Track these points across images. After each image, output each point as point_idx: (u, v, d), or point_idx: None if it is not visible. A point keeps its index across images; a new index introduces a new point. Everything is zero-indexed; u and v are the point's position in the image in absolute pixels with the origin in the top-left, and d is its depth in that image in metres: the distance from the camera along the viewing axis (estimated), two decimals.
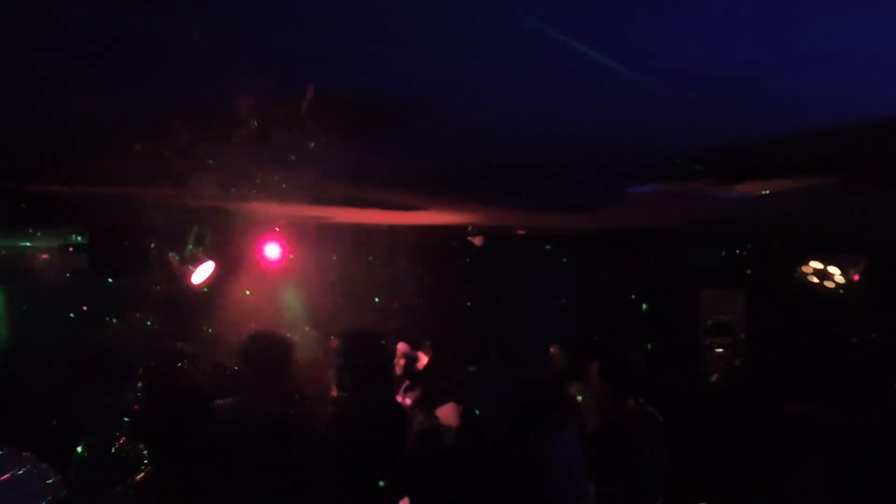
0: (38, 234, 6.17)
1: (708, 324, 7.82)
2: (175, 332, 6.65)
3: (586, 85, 2.47)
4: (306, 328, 7.51)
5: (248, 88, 2.59)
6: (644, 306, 8.02)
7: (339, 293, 7.77)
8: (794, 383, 6.70)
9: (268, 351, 4.17)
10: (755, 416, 5.86)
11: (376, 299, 7.84)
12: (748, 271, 7.69)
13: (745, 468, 4.86)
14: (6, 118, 3.10)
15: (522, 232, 7.38)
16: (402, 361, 5.83)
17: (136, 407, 3.47)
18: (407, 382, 5.75)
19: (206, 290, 6.74)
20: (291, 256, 7.81)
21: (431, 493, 3.50)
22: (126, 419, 3.27)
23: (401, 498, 3.75)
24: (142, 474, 3.06)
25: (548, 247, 7.89)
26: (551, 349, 5.56)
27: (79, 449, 3.16)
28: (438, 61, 2.29)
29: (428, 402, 5.28)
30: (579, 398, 4.97)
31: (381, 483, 3.62)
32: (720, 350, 7.73)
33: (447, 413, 4.84)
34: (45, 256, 6.43)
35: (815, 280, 7.36)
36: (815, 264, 7.31)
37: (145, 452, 3.14)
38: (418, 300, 7.83)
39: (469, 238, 7.12)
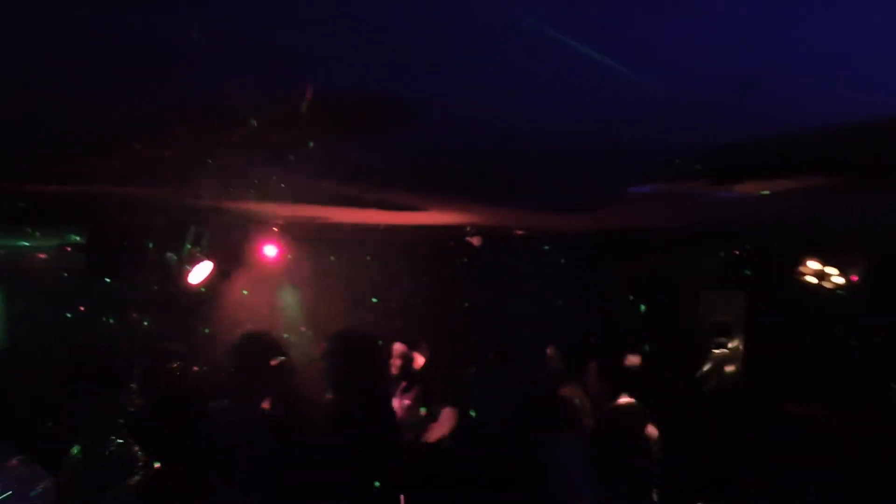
0: (37, 233, 6.16)
1: (707, 324, 7.82)
2: (172, 332, 6.65)
3: (585, 84, 2.47)
4: (303, 328, 7.51)
5: (247, 88, 2.58)
6: (642, 307, 8.01)
7: (337, 293, 7.77)
8: (794, 384, 6.71)
9: (259, 352, 4.17)
10: (754, 416, 5.87)
11: (374, 299, 7.84)
12: (747, 272, 7.69)
13: (743, 468, 4.86)
14: (4, 118, 3.09)
15: (521, 232, 7.37)
16: (398, 362, 5.82)
17: (132, 408, 3.46)
18: (404, 383, 5.74)
19: (203, 290, 6.74)
20: (289, 256, 7.80)
21: (430, 494, 3.50)
22: (122, 420, 3.26)
23: (397, 498, 3.75)
24: (138, 476, 3.05)
25: (546, 247, 7.88)
26: (548, 350, 5.56)
27: (73, 450, 3.14)
28: (437, 61, 2.28)
29: (425, 403, 5.28)
30: (576, 400, 4.97)
31: (377, 483, 3.61)
32: (719, 351, 7.73)
33: (445, 416, 4.84)
34: (42, 256, 6.42)
35: (814, 281, 7.37)
36: (814, 265, 7.32)
37: (140, 454, 3.13)
38: (416, 300, 7.83)
39: (467, 238, 7.12)
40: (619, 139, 3.28)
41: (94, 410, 3.26)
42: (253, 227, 6.86)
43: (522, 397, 4.24)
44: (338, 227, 6.96)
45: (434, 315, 7.80)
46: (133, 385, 3.70)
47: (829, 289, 7.35)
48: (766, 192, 4.34)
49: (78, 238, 6.14)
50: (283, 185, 4.46)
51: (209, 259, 6.41)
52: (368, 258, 7.88)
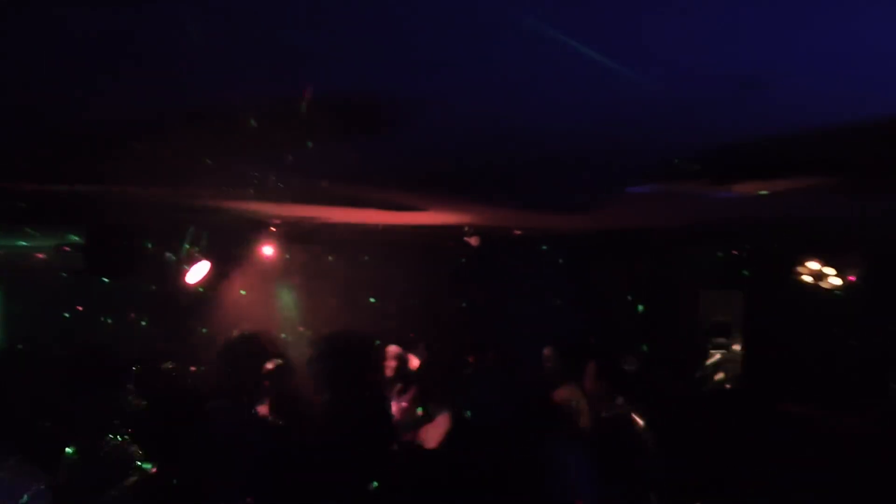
0: (35, 233, 6.16)
1: (706, 324, 7.82)
2: (171, 332, 6.65)
3: (584, 84, 2.46)
4: (301, 328, 7.51)
5: (245, 88, 2.57)
6: (640, 307, 8.02)
7: (335, 293, 7.77)
8: (792, 384, 6.72)
9: (252, 354, 4.17)
10: (753, 416, 5.87)
11: (371, 299, 7.84)
12: (745, 272, 7.69)
13: (742, 468, 4.86)
14: (2, 117, 3.08)
15: (519, 232, 7.37)
16: (392, 364, 5.81)
17: (130, 408, 3.46)
18: (400, 385, 5.73)
19: (201, 290, 6.73)
20: (287, 256, 7.80)
21: (427, 494, 3.49)
22: (119, 420, 3.25)
23: (394, 498, 3.74)
24: (135, 477, 3.05)
25: (544, 247, 7.89)
26: (545, 350, 5.56)
27: (69, 450, 3.14)
28: (435, 60, 2.28)
29: (422, 403, 5.27)
30: (574, 400, 4.97)
31: (375, 484, 3.61)
32: (718, 351, 7.73)
33: (442, 417, 4.83)
34: (41, 256, 6.42)
35: (813, 281, 7.37)
36: (813, 265, 7.33)
37: (138, 454, 3.13)
38: (414, 300, 7.83)
39: (465, 238, 7.11)
40: (618, 139, 3.27)
41: (91, 410, 3.26)
42: (251, 227, 6.85)
43: (520, 397, 4.24)
44: (336, 228, 6.96)
45: (432, 315, 7.80)
46: (130, 385, 3.70)
47: (827, 289, 7.35)
48: (765, 193, 4.34)
49: (76, 238, 6.14)
50: (281, 185, 4.46)
51: (207, 259, 6.41)
52: (366, 258, 7.88)
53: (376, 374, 4.84)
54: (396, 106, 2.80)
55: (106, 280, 6.32)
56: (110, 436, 3.20)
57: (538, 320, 7.22)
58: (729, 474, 4.65)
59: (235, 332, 4.54)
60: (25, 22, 1.97)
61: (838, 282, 7.34)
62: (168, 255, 6.21)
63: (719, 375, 7.54)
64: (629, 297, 8.02)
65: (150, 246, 6.32)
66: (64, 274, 6.36)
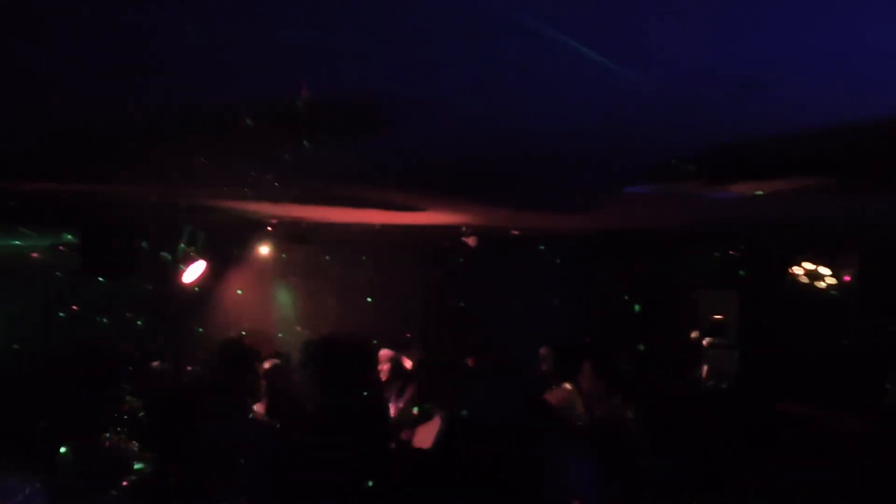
0: (29, 232, 6.14)
1: (702, 324, 7.84)
2: (166, 331, 6.64)
3: (581, 85, 2.46)
4: (298, 328, 7.50)
5: (243, 87, 2.57)
6: (636, 307, 8.03)
7: (332, 293, 7.76)
8: (787, 384, 6.73)
9: (244, 354, 4.16)
10: (748, 415, 5.88)
11: (368, 299, 7.83)
12: (741, 272, 7.71)
13: (738, 467, 4.87)
14: None
15: (517, 232, 7.37)
16: (385, 367, 5.81)
17: (125, 407, 3.45)
18: (397, 386, 5.73)
19: (197, 289, 6.72)
20: (283, 256, 7.79)
21: (424, 495, 3.48)
22: (115, 420, 3.24)
23: (392, 498, 3.73)
24: (133, 477, 3.04)
25: (542, 247, 7.89)
26: (541, 350, 5.55)
27: (62, 450, 3.13)
28: (434, 60, 2.27)
29: (419, 402, 5.26)
30: (570, 399, 4.97)
31: (370, 483, 3.60)
32: (713, 350, 7.75)
33: (438, 416, 4.82)
34: (36, 255, 6.40)
35: (808, 281, 7.39)
36: (808, 265, 7.34)
37: (133, 454, 3.12)
38: (411, 301, 7.83)
39: (463, 238, 7.11)
40: (615, 139, 3.27)
41: (88, 410, 3.25)
42: (248, 226, 6.84)
43: (518, 397, 4.23)
44: (332, 227, 6.95)
45: (429, 315, 7.80)
46: (126, 385, 3.69)
47: (821, 289, 7.37)
48: (761, 193, 4.34)
49: (71, 237, 6.12)
50: (277, 185, 4.45)
51: (203, 258, 6.40)
52: (363, 258, 7.88)
53: (373, 374, 4.83)
54: (394, 106, 2.79)
55: (102, 280, 6.30)
56: (107, 435, 3.19)
57: (535, 320, 7.22)
58: (725, 473, 4.65)
59: (231, 333, 4.54)
60: (22, 21, 1.96)
61: (832, 282, 7.35)
62: (164, 254, 6.21)
63: (715, 375, 7.55)
64: (626, 297, 8.02)
65: (146, 245, 6.31)
66: (58, 273, 6.35)
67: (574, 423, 4.59)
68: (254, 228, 6.98)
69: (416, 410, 5.33)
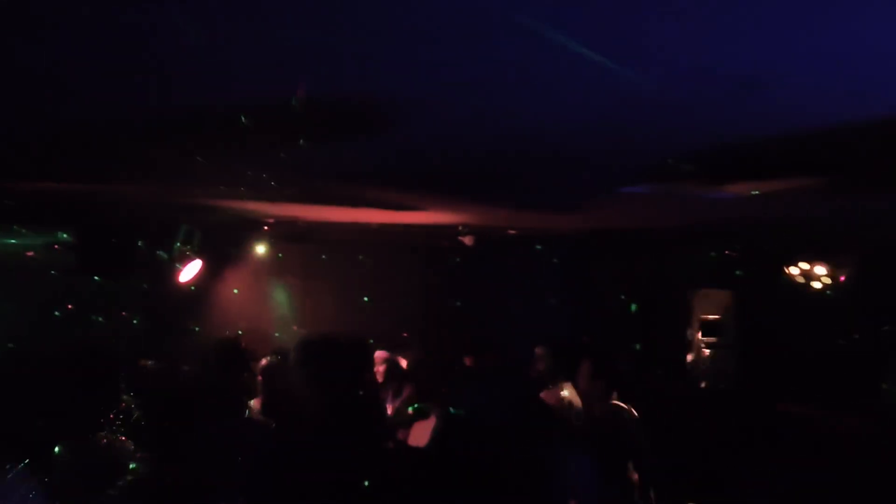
0: (25, 231, 6.12)
1: (698, 324, 7.84)
2: (162, 330, 6.62)
3: (579, 84, 2.46)
4: (295, 327, 7.49)
5: (241, 87, 2.56)
6: (633, 307, 8.03)
7: (329, 293, 7.75)
8: (784, 384, 6.74)
9: (238, 355, 4.16)
10: (744, 415, 5.90)
11: (365, 298, 7.83)
12: (737, 272, 7.72)
13: (736, 466, 4.88)
14: None
15: (514, 232, 7.36)
16: (381, 368, 5.81)
17: (122, 407, 3.44)
18: (393, 387, 5.73)
19: (193, 288, 6.71)
20: (280, 255, 7.78)
21: (422, 495, 3.48)
22: (111, 419, 3.24)
23: (390, 498, 3.73)
24: (130, 477, 3.03)
25: (539, 247, 7.89)
26: (536, 350, 5.55)
27: (57, 449, 3.12)
28: (433, 60, 2.27)
29: (416, 402, 5.26)
30: (567, 399, 4.97)
31: (367, 483, 3.59)
32: (710, 350, 7.75)
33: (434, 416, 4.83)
34: (31, 254, 6.38)
35: (805, 281, 7.40)
36: (805, 265, 7.35)
37: (129, 453, 3.11)
38: (408, 300, 7.82)
39: (460, 238, 7.11)
40: (613, 139, 3.27)
41: (83, 409, 3.24)
42: (245, 225, 6.83)
43: (516, 396, 4.23)
44: (329, 227, 6.94)
45: (426, 315, 7.79)
46: (122, 384, 3.67)
47: (819, 289, 7.38)
48: (756, 193, 4.35)
49: (67, 236, 6.11)
50: (274, 184, 4.44)
51: (200, 257, 6.38)
52: (361, 257, 7.87)
53: (370, 374, 4.82)
54: (392, 105, 2.79)
55: (98, 279, 6.29)
56: (103, 434, 3.18)
57: (533, 320, 7.22)
58: (722, 472, 4.66)
59: (228, 332, 4.53)
60: (19, 21, 1.95)
61: (827, 282, 7.36)
62: (160, 253, 6.19)
63: (712, 375, 7.56)
64: (623, 297, 8.03)
65: (142, 244, 6.29)
66: (53, 273, 6.33)
67: (572, 422, 4.59)
68: (251, 227, 6.97)
69: (410, 410, 5.34)
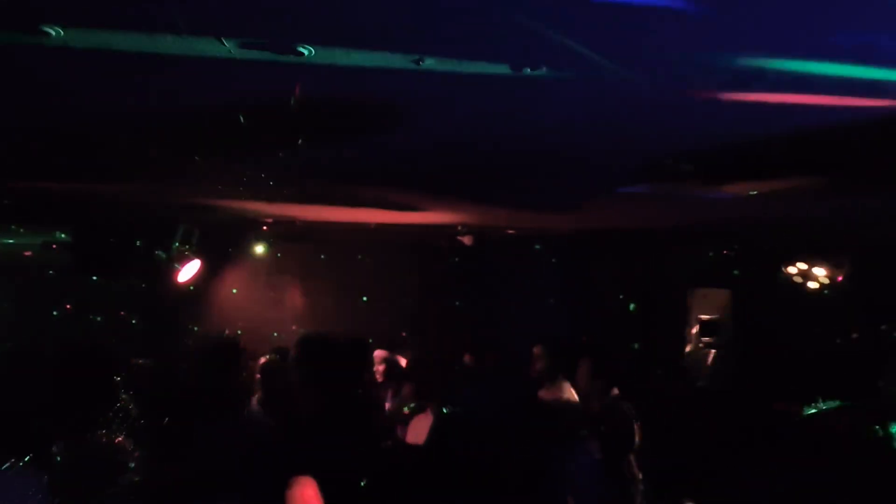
0: (22, 231, 6.11)
1: (696, 323, 7.84)
2: (160, 330, 6.62)
3: (577, 84, 2.46)
4: (293, 327, 7.49)
5: (240, 87, 2.56)
6: (631, 306, 8.04)
7: (328, 292, 7.75)
8: (781, 383, 6.74)
9: (234, 355, 4.15)
10: (743, 415, 5.89)
11: (364, 298, 7.83)
12: (735, 272, 7.72)
13: (733, 467, 4.87)
14: None
15: (512, 232, 7.37)
16: (380, 368, 5.81)
17: (120, 406, 3.43)
18: (392, 386, 5.72)
19: (192, 288, 6.70)
20: (279, 255, 7.78)
21: (419, 495, 3.48)
22: (110, 419, 3.23)
23: (388, 497, 3.73)
24: (128, 476, 3.03)
25: (537, 246, 7.89)
26: (535, 349, 5.55)
27: (54, 448, 3.11)
28: (428, 59, 2.27)
29: (414, 401, 5.26)
30: (565, 398, 4.97)
31: (364, 482, 3.59)
32: (708, 350, 7.75)
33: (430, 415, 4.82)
34: (28, 254, 6.37)
35: (802, 280, 7.40)
36: (802, 265, 7.35)
37: (128, 453, 3.11)
38: (407, 300, 7.82)
39: (459, 237, 7.11)
40: (611, 139, 3.27)
41: (81, 408, 3.23)
42: (243, 225, 6.83)
43: (513, 396, 4.24)
44: (328, 226, 6.93)
45: (425, 314, 7.79)
46: (120, 384, 3.66)
47: (817, 288, 7.38)
48: (754, 193, 4.35)
49: (64, 236, 6.10)
50: (273, 184, 4.44)
51: (198, 257, 6.38)
52: (359, 257, 7.87)
53: (368, 373, 4.83)
54: (391, 106, 2.79)
55: (95, 278, 6.28)
56: (102, 433, 3.18)
57: (531, 319, 7.22)
58: (721, 472, 4.66)
59: (226, 332, 4.53)
60: (18, 20, 1.95)
61: (825, 281, 7.37)
62: (159, 253, 6.18)
63: (710, 374, 7.57)
64: (621, 296, 8.03)
65: (139, 244, 6.28)
66: (51, 272, 6.33)
67: (570, 421, 4.59)
68: (249, 227, 6.96)
69: (406, 410, 5.33)
